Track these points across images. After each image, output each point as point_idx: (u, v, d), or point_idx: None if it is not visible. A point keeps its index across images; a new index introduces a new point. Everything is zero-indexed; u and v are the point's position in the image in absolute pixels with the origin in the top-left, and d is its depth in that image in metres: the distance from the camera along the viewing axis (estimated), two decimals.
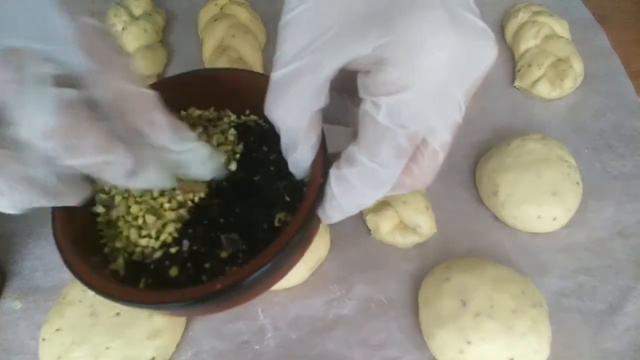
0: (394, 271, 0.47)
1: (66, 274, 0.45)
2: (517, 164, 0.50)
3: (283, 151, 0.31)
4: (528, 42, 0.61)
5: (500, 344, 0.39)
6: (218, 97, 0.37)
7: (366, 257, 0.48)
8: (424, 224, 0.47)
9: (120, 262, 0.32)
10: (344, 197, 0.29)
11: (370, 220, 0.48)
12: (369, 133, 0.27)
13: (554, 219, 0.48)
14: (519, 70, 0.60)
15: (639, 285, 0.46)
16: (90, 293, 0.41)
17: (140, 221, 0.32)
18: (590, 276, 0.47)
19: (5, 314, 0.45)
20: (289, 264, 0.32)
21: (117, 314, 0.41)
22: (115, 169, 0.27)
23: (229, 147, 0.35)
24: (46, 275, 0.47)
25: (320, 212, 0.31)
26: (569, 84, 0.58)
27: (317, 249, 0.46)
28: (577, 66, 0.59)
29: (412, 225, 0.47)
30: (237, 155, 0.35)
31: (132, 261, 0.32)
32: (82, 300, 0.41)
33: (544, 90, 0.58)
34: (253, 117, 0.37)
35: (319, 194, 0.30)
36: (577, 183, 0.49)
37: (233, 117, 0.38)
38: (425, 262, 0.47)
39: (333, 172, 0.29)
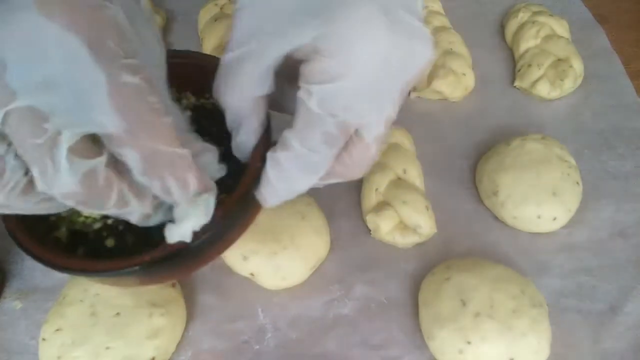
0: (394, 271, 0.47)
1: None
2: (517, 163, 0.50)
3: (230, 130, 0.32)
4: (528, 42, 0.61)
5: (500, 344, 0.39)
6: (180, 79, 0.37)
7: (366, 257, 0.48)
8: (424, 224, 0.47)
9: (63, 231, 0.33)
10: (278, 181, 0.30)
11: (370, 220, 0.48)
12: (300, 119, 0.28)
13: (554, 219, 0.48)
14: (519, 70, 0.61)
15: (639, 285, 0.46)
16: (91, 292, 0.42)
17: None
18: (590, 276, 0.47)
19: (5, 314, 0.45)
20: (221, 243, 0.33)
21: (117, 313, 0.41)
22: (131, 216, 0.28)
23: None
24: (46, 275, 0.47)
25: (257, 195, 0.31)
26: (569, 84, 0.58)
27: (317, 249, 0.46)
28: (577, 66, 0.59)
29: (412, 225, 0.47)
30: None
31: (74, 230, 0.33)
32: (82, 300, 0.41)
33: (544, 90, 0.58)
34: (212, 100, 0.37)
35: (256, 177, 0.31)
36: (577, 183, 0.49)
37: (192, 99, 0.38)
38: (425, 262, 0.47)
39: (269, 155, 0.30)
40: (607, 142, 0.56)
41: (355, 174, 0.31)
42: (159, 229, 0.31)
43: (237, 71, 0.29)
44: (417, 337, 0.43)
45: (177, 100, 0.38)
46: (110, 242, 0.32)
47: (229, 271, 0.46)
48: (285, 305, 0.45)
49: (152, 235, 0.31)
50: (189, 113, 0.36)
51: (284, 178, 0.30)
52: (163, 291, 0.43)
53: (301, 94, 0.28)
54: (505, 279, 0.42)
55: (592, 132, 0.56)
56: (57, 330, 0.40)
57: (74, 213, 0.33)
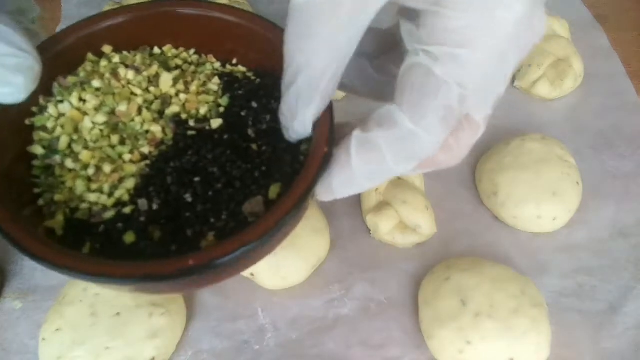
0: (394, 271, 0.47)
1: None
2: (517, 163, 0.50)
3: (288, 103, 0.25)
4: None
5: (500, 344, 0.39)
6: (200, 38, 0.31)
7: (366, 257, 0.48)
8: (424, 224, 0.47)
9: (58, 220, 0.26)
10: (363, 167, 0.25)
11: (370, 220, 0.48)
12: (416, 89, 0.23)
13: (554, 219, 0.48)
14: (518, 70, 0.61)
15: (639, 285, 0.46)
16: (91, 292, 0.42)
17: (91, 171, 0.27)
18: (590, 276, 0.47)
19: (5, 314, 0.45)
20: (272, 246, 0.27)
21: (117, 313, 0.41)
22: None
23: (211, 99, 0.30)
24: (46, 275, 0.47)
25: (321, 186, 0.26)
26: (569, 84, 0.58)
27: (317, 249, 0.46)
28: (577, 66, 0.59)
29: (412, 225, 0.47)
30: (221, 109, 0.30)
31: (74, 220, 0.26)
32: (82, 300, 0.41)
33: (544, 90, 0.58)
34: (241, 67, 0.32)
35: (322, 168, 0.25)
36: (577, 183, 0.49)
37: (217, 65, 0.32)
38: (425, 262, 0.47)
39: (357, 135, 0.25)
40: (607, 142, 0.56)
41: (456, 161, 0.27)
42: (192, 221, 0.26)
43: (330, 17, 0.22)
44: (417, 337, 0.43)
45: (199, 63, 0.32)
46: (129, 237, 0.25)
47: None
48: (285, 305, 0.45)
49: (182, 229, 0.26)
50: (217, 80, 0.30)
51: (373, 164, 0.24)
52: None
53: (421, 58, 0.23)
54: (505, 279, 0.42)
55: (592, 132, 0.56)
56: (57, 330, 0.40)
57: (74, 197, 0.27)
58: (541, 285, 0.45)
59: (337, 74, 0.24)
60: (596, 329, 0.44)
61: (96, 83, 0.29)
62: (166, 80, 0.29)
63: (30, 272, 0.47)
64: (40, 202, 0.27)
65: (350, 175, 0.25)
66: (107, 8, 0.64)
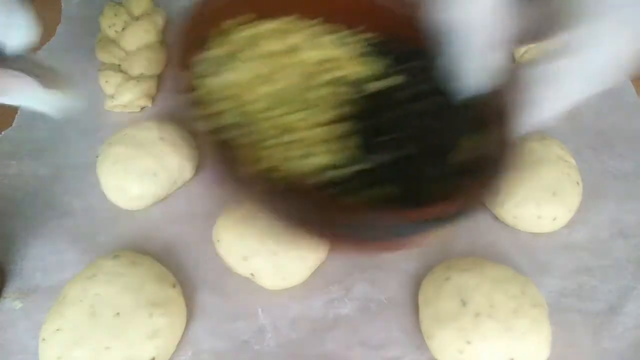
0: (394, 271, 0.47)
1: (66, 273, 0.46)
2: None
3: (451, 63, 0.26)
4: None
5: (500, 344, 0.39)
6: (324, 9, 0.30)
7: (366, 257, 0.48)
8: None
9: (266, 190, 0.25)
10: (550, 98, 0.25)
11: None
12: (590, 9, 0.23)
13: (554, 219, 0.48)
14: None
15: (639, 285, 0.46)
16: (91, 292, 0.42)
17: (279, 140, 0.26)
18: (590, 276, 0.47)
19: (5, 314, 0.45)
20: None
21: (117, 313, 0.41)
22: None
23: (366, 61, 0.29)
24: (46, 275, 0.47)
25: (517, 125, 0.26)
26: None
27: (317, 249, 0.46)
28: None
29: None
30: (379, 71, 0.29)
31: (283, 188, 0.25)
32: (82, 300, 0.41)
33: None
34: (371, 34, 0.31)
35: (513, 112, 0.25)
36: (577, 183, 0.49)
37: (349, 32, 0.31)
38: (425, 262, 0.47)
39: (538, 70, 0.24)
40: (607, 142, 0.56)
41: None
42: (410, 177, 0.25)
43: None
44: (417, 337, 0.43)
45: (330, 31, 0.31)
46: (350, 198, 0.24)
47: (229, 271, 0.46)
48: (285, 305, 0.45)
49: (405, 186, 0.25)
50: (367, 44, 0.30)
51: (561, 93, 0.24)
52: (163, 291, 0.43)
53: None
54: (505, 279, 0.42)
55: (592, 132, 0.56)
56: (57, 330, 0.40)
57: (273, 168, 0.25)
58: (541, 285, 0.45)
59: (496, 20, 0.24)
60: (596, 329, 0.44)
61: (246, 55, 0.28)
62: (325, 43, 0.29)
63: (30, 272, 0.47)
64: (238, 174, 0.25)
65: (537, 111, 0.25)
66: (108, 8, 0.64)
